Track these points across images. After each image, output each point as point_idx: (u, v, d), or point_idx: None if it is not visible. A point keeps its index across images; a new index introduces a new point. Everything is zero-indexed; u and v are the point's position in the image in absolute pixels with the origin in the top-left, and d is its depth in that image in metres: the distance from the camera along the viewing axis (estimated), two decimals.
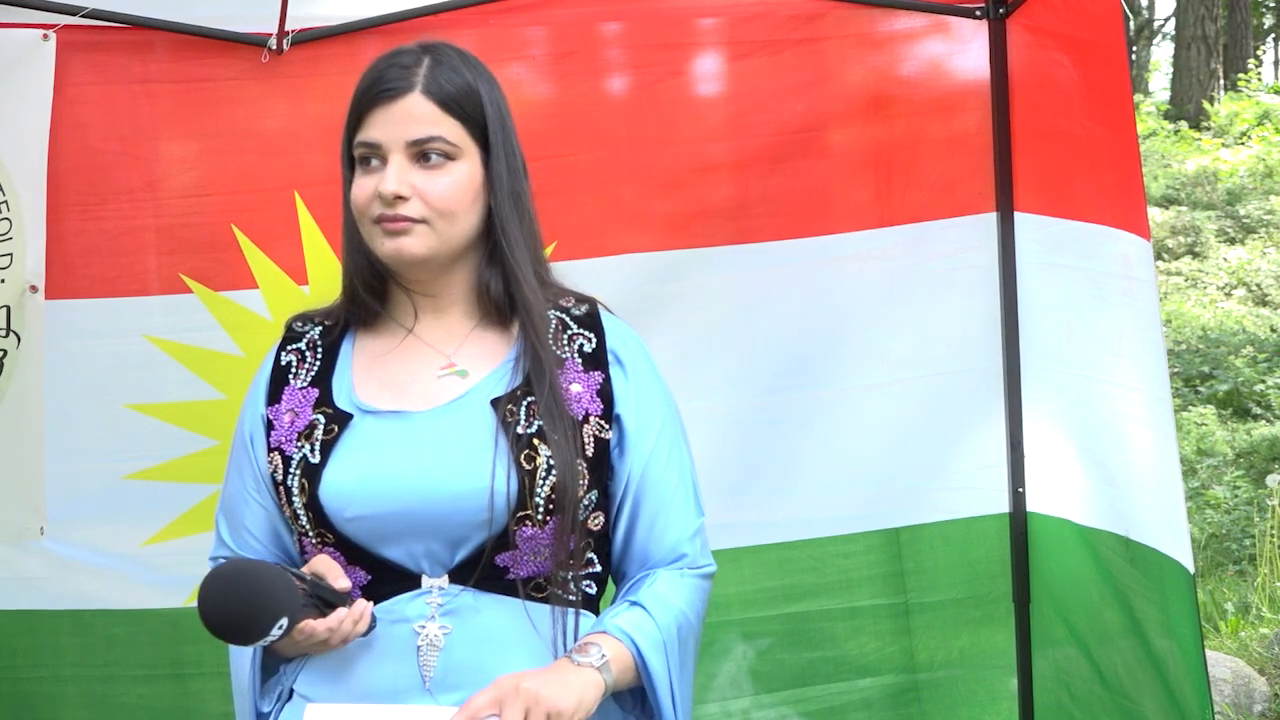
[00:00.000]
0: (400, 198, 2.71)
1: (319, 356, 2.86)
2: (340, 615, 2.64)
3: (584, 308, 2.92)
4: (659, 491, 2.85)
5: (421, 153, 2.73)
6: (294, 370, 2.86)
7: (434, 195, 2.73)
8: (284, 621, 2.56)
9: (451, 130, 2.74)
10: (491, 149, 2.79)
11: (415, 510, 2.69)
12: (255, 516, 2.85)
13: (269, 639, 2.58)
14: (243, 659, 2.80)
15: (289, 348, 2.89)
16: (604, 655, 2.68)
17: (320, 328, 2.90)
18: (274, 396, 2.84)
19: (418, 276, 2.81)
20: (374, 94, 2.75)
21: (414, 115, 2.73)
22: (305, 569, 2.70)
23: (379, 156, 2.74)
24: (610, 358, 2.87)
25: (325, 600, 2.65)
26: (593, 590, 2.84)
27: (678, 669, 2.78)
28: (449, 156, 2.74)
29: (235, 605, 2.56)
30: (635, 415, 2.85)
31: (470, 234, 2.79)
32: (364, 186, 2.75)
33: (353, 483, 2.70)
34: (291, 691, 2.80)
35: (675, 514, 2.86)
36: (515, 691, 2.57)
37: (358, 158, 2.77)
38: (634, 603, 2.78)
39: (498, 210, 2.80)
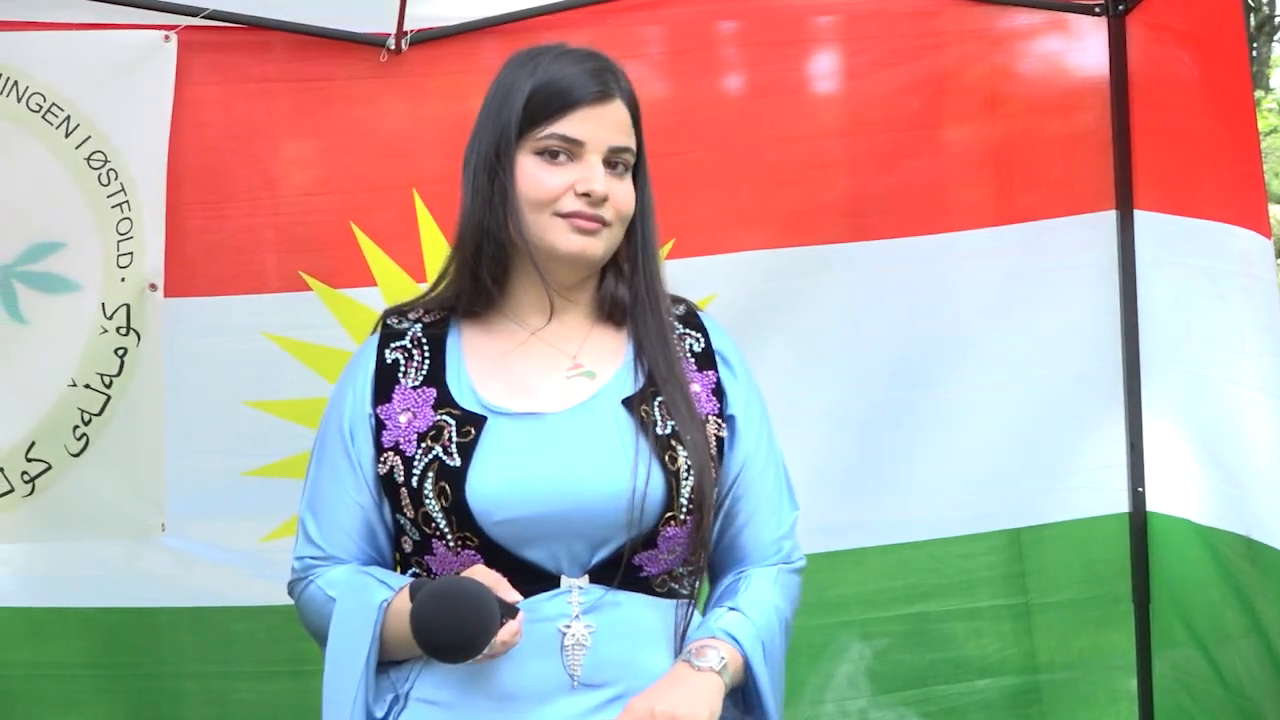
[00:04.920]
0: (605, 198, 2.74)
1: (426, 354, 2.85)
2: (512, 628, 2.63)
3: (682, 308, 2.94)
4: (759, 488, 2.87)
5: (613, 160, 2.77)
6: (403, 369, 2.84)
7: (623, 202, 2.77)
8: (494, 639, 2.59)
9: (634, 143, 2.81)
10: (640, 163, 2.84)
11: (564, 512, 2.69)
12: (351, 515, 2.83)
13: (480, 656, 2.60)
14: (349, 665, 2.75)
15: (393, 345, 2.87)
16: (722, 658, 2.70)
17: (420, 324, 2.89)
18: (383, 395, 2.82)
19: (577, 277, 2.83)
20: (587, 92, 2.75)
21: (618, 122, 2.78)
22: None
23: (573, 153, 2.75)
24: (718, 358, 2.89)
25: (500, 612, 2.65)
26: (696, 584, 2.86)
27: (776, 664, 2.81)
28: (628, 168, 2.80)
29: (461, 625, 2.58)
30: (743, 413, 2.87)
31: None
32: (555, 177, 2.75)
33: (501, 486, 2.69)
34: (407, 696, 2.78)
35: (774, 510, 2.89)
36: (651, 716, 2.61)
37: (542, 149, 2.76)
38: (732, 607, 2.80)
39: (642, 222, 2.85)
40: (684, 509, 2.72)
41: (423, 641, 2.61)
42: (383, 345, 2.87)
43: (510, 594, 2.65)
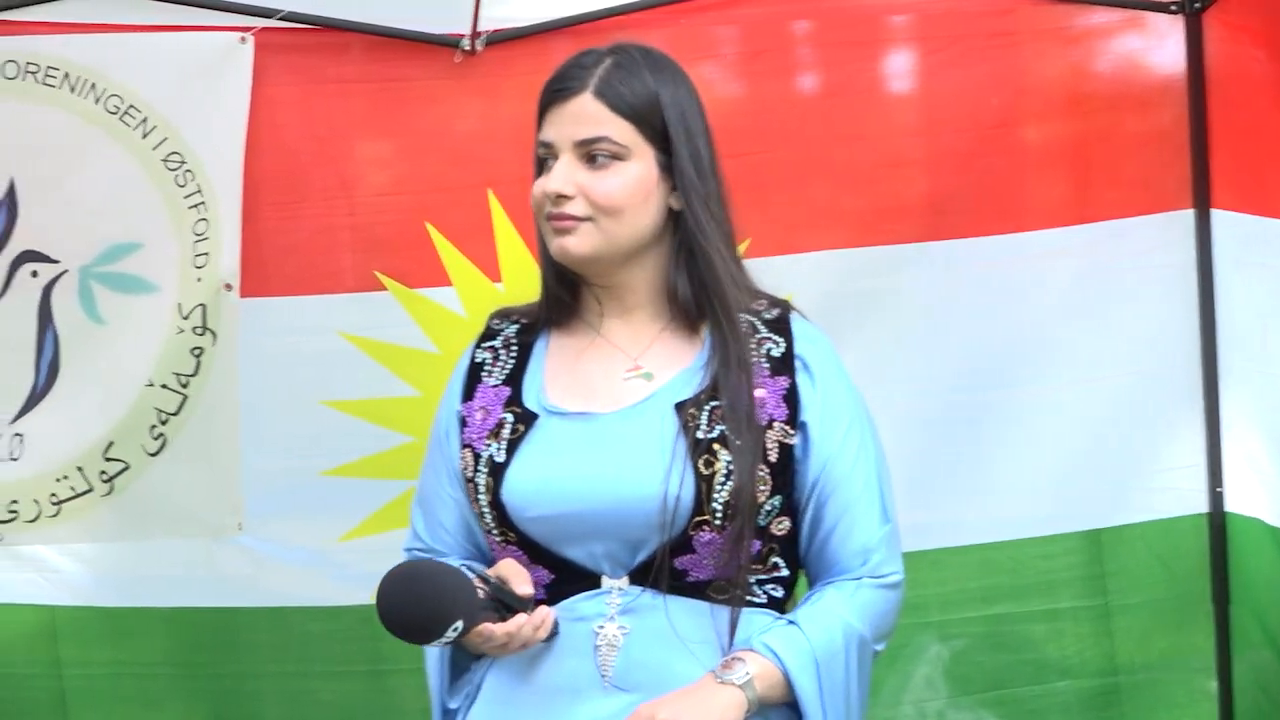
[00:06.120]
0: (563, 196, 2.71)
1: (513, 354, 2.86)
2: (519, 621, 2.63)
3: (775, 311, 2.86)
4: (843, 495, 2.79)
5: (589, 153, 2.73)
6: (488, 368, 2.86)
7: (597, 193, 2.72)
8: (459, 624, 2.56)
9: (621, 131, 2.73)
10: (673, 150, 2.76)
11: (594, 512, 2.68)
12: (448, 511, 2.86)
13: (443, 640, 2.59)
14: (434, 655, 2.82)
15: (484, 345, 2.89)
16: (748, 673, 2.65)
17: (517, 326, 2.90)
18: (468, 393, 2.84)
19: (595, 275, 2.80)
20: (550, 94, 2.77)
21: (583, 115, 2.73)
22: (491, 571, 2.70)
23: (553, 156, 2.75)
24: (798, 363, 2.81)
25: (506, 604, 2.64)
26: (779, 593, 2.80)
27: (835, 683, 2.73)
28: (617, 157, 2.73)
29: (411, 606, 2.57)
30: (820, 421, 2.79)
31: (643, 234, 2.77)
32: (538, 185, 2.76)
33: (534, 483, 2.70)
34: (479, 687, 2.79)
35: (861, 517, 2.80)
36: None
37: (538, 159, 2.78)
38: (790, 621, 2.75)
39: (686, 212, 2.78)
40: (717, 514, 2.67)
41: (381, 618, 2.60)
42: (477, 345, 2.91)
43: (523, 587, 2.67)
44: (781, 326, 2.83)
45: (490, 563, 2.80)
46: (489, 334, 2.91)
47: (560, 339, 2.86)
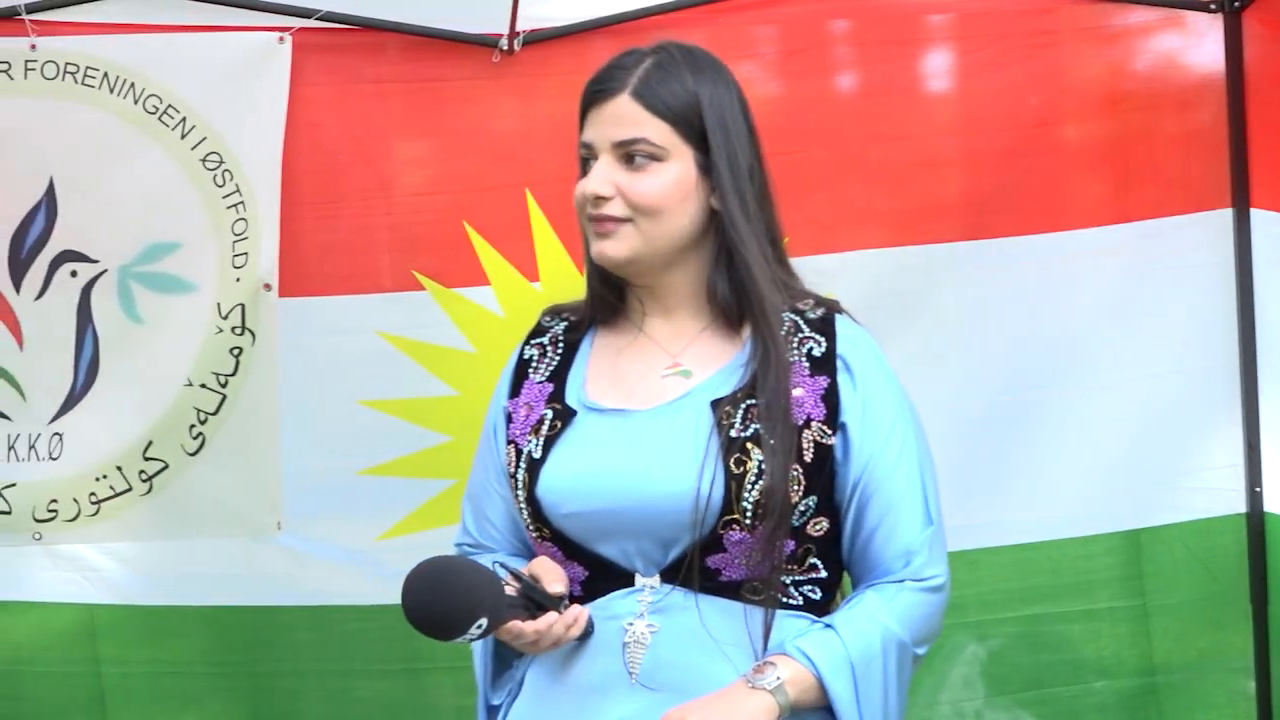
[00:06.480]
0: (601, 197, 2.72)
1: (559, 352, 2.86)
2: (550, 619, 2.63)
3: (821, 311, 2.84)
4: (885, 495, 2.76)
5: (627, 154, 2.73)
6: (535, 364, 2.86)
7: (635, 194, 2.72)
8: (483, 621, 2.56)
9: (658, 132, 2.73)
10: (711, 150, 2.75)
11: (625, 509, 2.67)
12: (495, 507, 2.88)
13: (467, 637, 2.58)
14: (478, 651, 2.82)
15: (533, 342, 2.90)
16: (779, 678, 2.63)
17: (566, 323, 2.91)
18: (515, 390, 2.85)
19: (635, 276, 2.81)
20: (590, 95, 2.77)
21: (621, 117, 2.74)
22: (524, 569, 2.70)
23: (593, 156, 2.75)
24: (839, 363, 2.78)
25: (537, 602, 2.64)
26: (816, 595, 2.78)
27: (872, 688, 2.70)
28: (655, 158, 2.73)
29: (436, 601, 2.57)
30: (861, 421, 2.76)
31: (683, 234, 2.76)
32: (579, 187, 2.76)
33: (568, 479, 2.71)
34: (521, 683, 2.81)
35: (903, 518, 2.77)
36: None
37: (580, 160, 2.79)
38: (827, 625, 2.72)
39: (722, 211, 2.77)
40: (747, 514, 2.66)
41: (405, 614, 2.61)
42: (526, 342, 2.92)
43: (555, 586, 2.67)
44: (825, 326, 2.81)
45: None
46: (539, 330, 2.92)
47: (605, 337, 2.86)
